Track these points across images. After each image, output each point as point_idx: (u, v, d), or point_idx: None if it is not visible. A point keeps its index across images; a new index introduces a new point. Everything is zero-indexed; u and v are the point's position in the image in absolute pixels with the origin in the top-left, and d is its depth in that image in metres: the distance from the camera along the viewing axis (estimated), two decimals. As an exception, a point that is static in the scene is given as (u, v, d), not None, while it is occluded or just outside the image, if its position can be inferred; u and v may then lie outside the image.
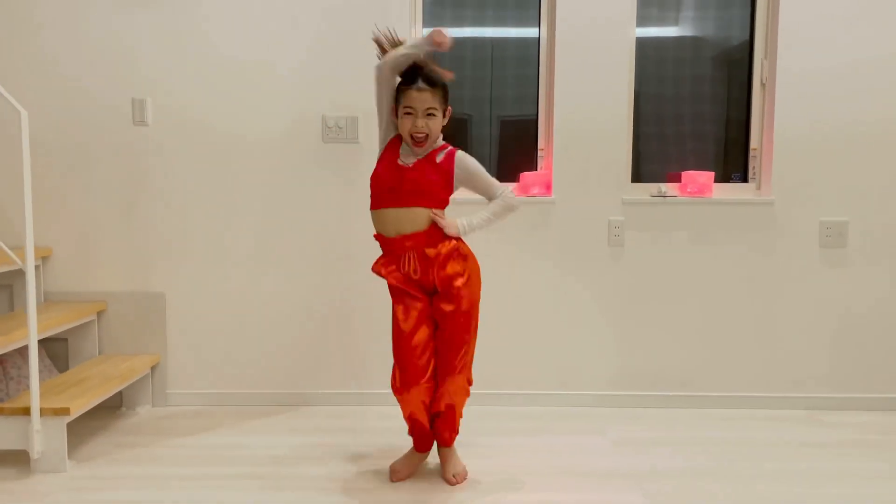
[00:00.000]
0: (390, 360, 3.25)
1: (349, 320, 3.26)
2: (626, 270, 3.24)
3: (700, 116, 3.47)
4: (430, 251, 2.31)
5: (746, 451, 2.75)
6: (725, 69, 3.43)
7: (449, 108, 2.36)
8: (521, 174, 3.27)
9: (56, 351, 3.24)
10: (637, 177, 3.35)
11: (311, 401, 3.28)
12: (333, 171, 3.20)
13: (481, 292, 2.41)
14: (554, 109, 3.19)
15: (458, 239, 2.37)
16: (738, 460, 2.66)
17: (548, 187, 3.25)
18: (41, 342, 2.95)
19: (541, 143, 3.30)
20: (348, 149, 3.19)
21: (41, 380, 2.88)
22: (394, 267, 2.35)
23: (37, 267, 3.16)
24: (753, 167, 3.33)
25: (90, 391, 2.71)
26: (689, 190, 3.26)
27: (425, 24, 3.31)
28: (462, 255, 2.35)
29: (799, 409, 3.24)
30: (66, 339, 3.22)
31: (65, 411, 2.53)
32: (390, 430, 2.93)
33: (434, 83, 2.29)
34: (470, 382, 2.43)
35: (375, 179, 2.37)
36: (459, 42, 3.40)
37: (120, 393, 3.23)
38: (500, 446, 2.77)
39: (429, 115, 2.28)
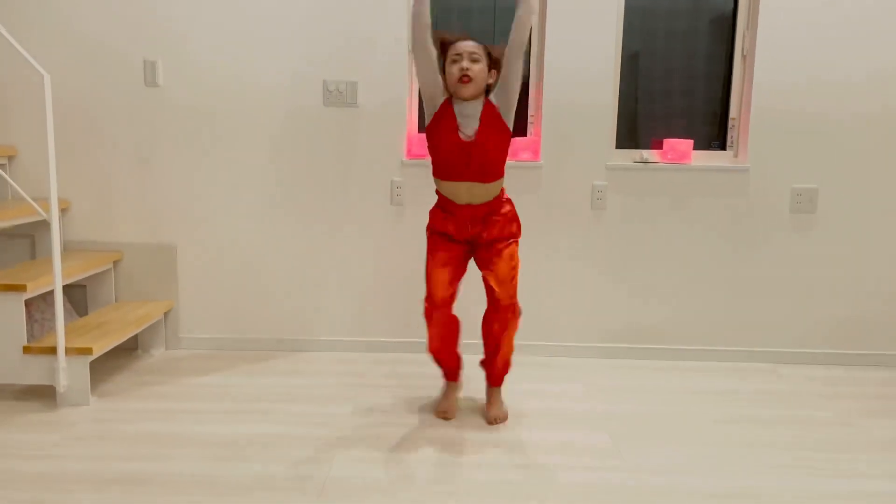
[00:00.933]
0: (391, 308, 3.53)
1: (349, 270, 3.50)
2: (608, 232, 3.45)
3: (688, 85, 3.64)
4: (497, 218, 2.62)
5: (706, 398, 3.01)
6: (712, 40, 3.57)
7: (494, 71, 2.57)
8: (512, 139, 3.45)
9: (75, 297, 3.49)
10: (631, 141, 3.55)
11: (313, 347, 3.55)
12: (334, 132, 3.40)
13: None
14: (543, 77, 3.36)
15: (509, 200, 2.69)
16: (696, 405, 2.92)
17: (536, 153, 3.44)
18: (63, 289, 3.19)
19: (531, 110, 3.48)
20: (348, 112, 3.38)
21: (64, 323, 3.13)
22: (450, 223, 2.62)
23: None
24: (732, 136, 3.50)
25: (110, 334, 2.97)
26: (669, 157, 3.45)
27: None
28: (514, 211, 2.68)
29: (764, 363, 3.48)
30: (84, 286, 3.48)
31: (88, 350, 2.79)
32: (394, 374, 3.21)
33: (478, 41, 2.55)
34: (517, 313, 2.66)
35: (439, 153, 2.59)
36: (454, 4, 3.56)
37: (136, 336, 3.49)
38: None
39: (473, 59, 2.51)
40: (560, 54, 3.34)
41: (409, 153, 3.44)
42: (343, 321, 3.54)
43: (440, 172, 2.62)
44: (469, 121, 2.54)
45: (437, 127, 2.57)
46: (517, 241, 2.68)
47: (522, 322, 2.67)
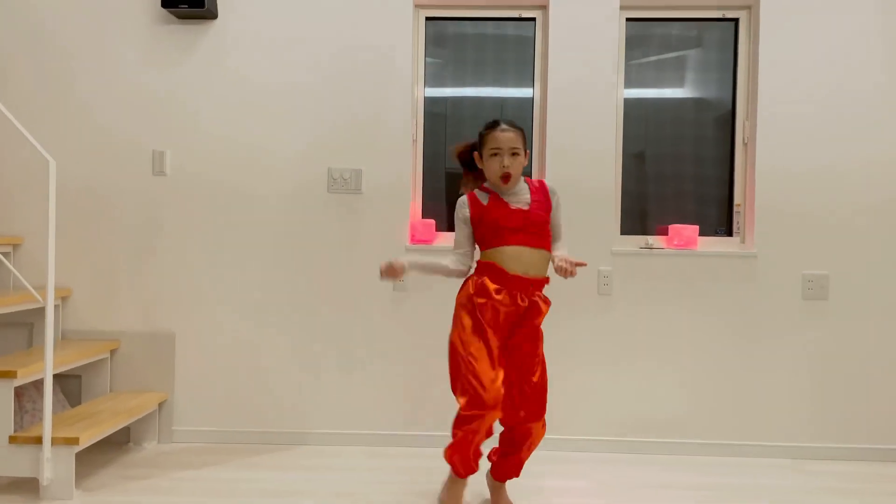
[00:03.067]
0: (388, 404, 3.41)
1: (350, 361, 3.41)
2: (615, 319, 3.37)
3: (690, 173, 3.65)
4: (542, 305, 2.49)
5: (719, 495, 2.84)
6: (712, 129, 3.61)
7: (527, 151, 2.51)
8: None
9: (70, 388, 3.40)
10: (641, 229, 3.54)
11: (312, 440, 3.40)
12: (337, 219, 3.40)
13: None
14: (546, 162, 3.38)
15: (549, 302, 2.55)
16: (714, 502, 2.74)
17: (540, 238, 3.41)
18: (56, 377, 3.11)
19: (534, 197, 3.48)
20: (352, 198, 3.39)
21: (54, 413, 3.03)
22: (494, 301, 2.40)
23: (56, 306, 3.35)
24: (737, 222, 3.48)
25: (99, 424, 2.86)
26: (675, 243, 3.41)
27: (427, 84, 3.55)
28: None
29: (782, 458, 3.31)
30: (79, 377, 3.39)
31: (74, 441, 2.68)
32: (382, 469, 3.05)
33: (515, 125, 2.47)
34: (545, 425, 2.55)
35: (496, 221, 2.44)
36: (458, 101, 3.64)
37: (128, 429, 3.37)
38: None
39: (514, 153, 2.44)
40: (561, 141, 3.37)
41: (413, 238, 3.43)
42: (343, 414, 3.42)
43: (492, 240, 2.45)
44: (517, 198, 2.48)
45: (487, 215, 2.47)
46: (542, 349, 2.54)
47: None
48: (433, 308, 3.39)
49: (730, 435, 3.35)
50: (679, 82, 3.64)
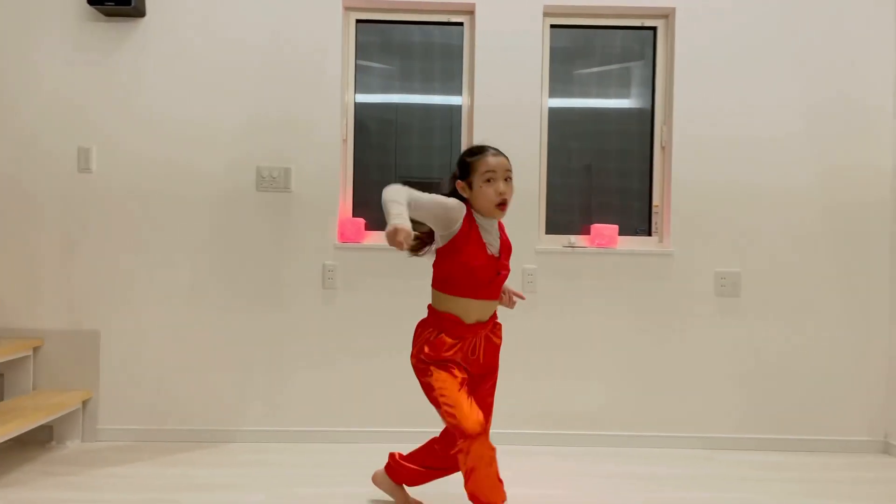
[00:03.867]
0: (315, 400, 3.44)
1: (279, 357, 3.43)
2: (538, 315, 3.47)
3: (616, 176, 3.79)
4: (496, 339, 2.46)
5: (632, 482, 2.96)
6: (639, 135, 3.75)
7: None
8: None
9: (-10, 385, 3.35)
10: (568, 228, 3.65)
11: (240, 438, 3.42)
12: (266, 217, 3.43)
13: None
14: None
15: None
16: (620, 490, 2.86)
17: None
18: (-26, 374, 3.07)
19: (461, 196, 3.56)
20: (281, 197, 3.43)
21: (-29, 410, 2.99)
22: (457, 347, 2.32)
23: (-24, 303, 3.30)
24: (656, 222, 3.62)
25: (17, 420, 2.83)
26: (596, 242, 3.53)
27: (357, 90, 3.61)
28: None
29: (697, 449, 3.44)
30: (2, 374, 3.34)
31: (-11, 436, 2.65)
32: (304, 464, 3.09)
33: (502, 153, 2.32)
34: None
35: (472, 270, 2.27)
36: (407, 108, 3.71)
37: (51, 428, 3.33)
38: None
39: (507, 178, 2.29)
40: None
41: (342, 237, 3.48)
42: (271, 410, 3.44)
43: (460, 289, 2.30)
44: (492, 238, 2.33)
45: (467, 244, 2.27)
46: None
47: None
48: (362, 306, 3.45)
49: (647, 427, 3.48)
50: (619, 92, 3.78)
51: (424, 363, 2.33)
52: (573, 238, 3.55)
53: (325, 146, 3.44)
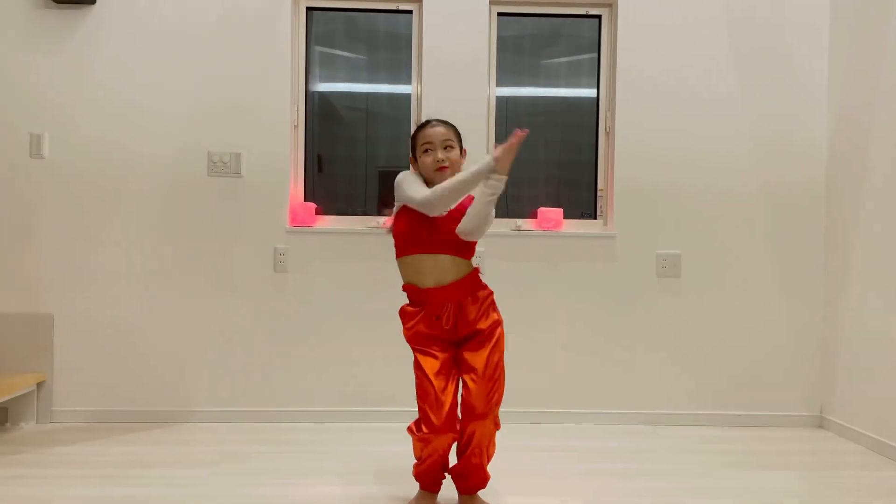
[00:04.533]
0: (271, 380, 3.52)
1: (231, 339, 3.50)
2: (486, 296, 3.56)
3: (564, 162, 3.90)
4: (472, 309, 2.31)
5: (576, 455, 3.06)
6: (585, 124, 3.85)
7: (465, 148, 2.39)
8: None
9: (-56, 369, 3.40)
10: (517, 213, 3.74)
11: (193, 418, 3.49)
12: (217, 201, 3.49)
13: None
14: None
15: (488, 288, 2.39)
16: (564, 462, 2.96)
17: (414, 220, 3.58)
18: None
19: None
20: (232, 182, 3.49)
21: (-78, 392, 3.04)
22: (420, 316, 2.30)
23: (-71, 288, 3.34)
24: (600, 205, 3.72)
25: (-34, 400, 2.89)
26: (542, 225, 3.63)
27: (324, 79, 3.68)
28: (494, 303, 2.39)
29: (640, 424, 3.56)
30: (-45, 358, 3.39)
31: (-64, 416, 2.70)
32: (262, 441, 3.17)
33: (447, 122, 2.35)
34: (497, 426, 2.34)
35: (403, 228, 2.31)
36: (363, 97, 3.78)
37: (6, 410, 3.39)
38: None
39: (447, 147, 2.31)
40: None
41: (293, 220, 3.54)
42: (224, 391, 3.51)
43: (401, 248, 2.33)
44: None
45: (402, 213, 2.32)
46: (502, 333, 2.35)
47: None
48: (313, 288, 3.52)
49: (591, 404, 3.59)
50: (572, 82, 3.89)
51: (407, 335, 2.35)
52: (520, 222, 3.64)
53: (275, 131, 3.51)
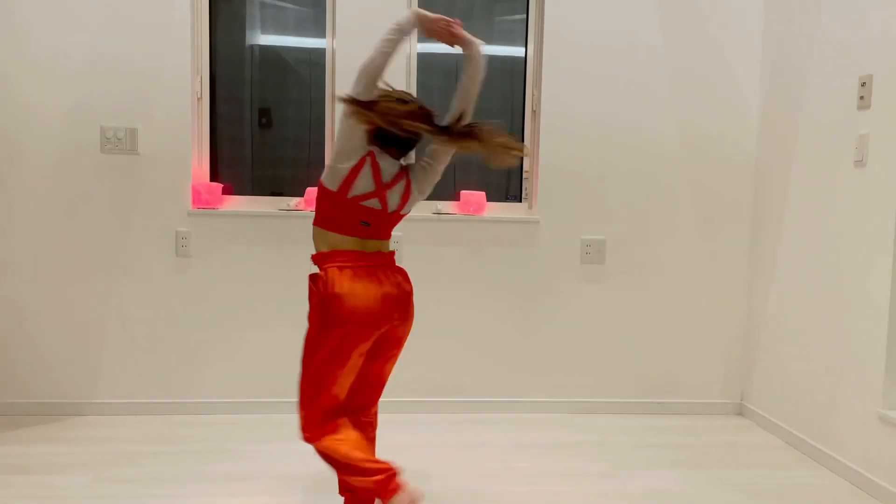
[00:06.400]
0: (168, 369, 3.31)
1: (131, 326, 3.29)
2: (403, 283, 3.40)
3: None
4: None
5: (491, 452, 2.98)
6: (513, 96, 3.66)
7: None
8: (308, 189, 3.38)
9: None
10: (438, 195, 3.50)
11: (90, 410, 3.28)
12: (112, 181, 3.23)
13: None
14: (334, 124, 3.32)
15: None
16: (476, 461, 2.87)
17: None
18: None
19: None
20: (127, 160, 3.23)
21: None
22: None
23: None
24: (526, 188, 3.57)
25: None
26: (465, 209, 3.46)
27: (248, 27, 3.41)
28: None
29: (560, 413, 3.48)
30: None
31: None
32: (165, 438, 3.00)
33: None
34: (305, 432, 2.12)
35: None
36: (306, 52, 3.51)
37: None
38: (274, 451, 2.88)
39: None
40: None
41: (196, 202, 3.31)
42: (123, 381, 3.30)
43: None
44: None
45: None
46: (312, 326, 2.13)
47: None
48: (219, 274, 3.32)
49: (512, 393, 3.49)
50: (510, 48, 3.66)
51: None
52: (440, 205, 3.47)
53: (174, 104, 3.24)
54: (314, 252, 2.13)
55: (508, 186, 3.72)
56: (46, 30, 3.14)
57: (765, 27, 3.43)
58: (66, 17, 3.15)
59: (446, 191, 3.58)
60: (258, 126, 3.67)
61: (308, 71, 3.65)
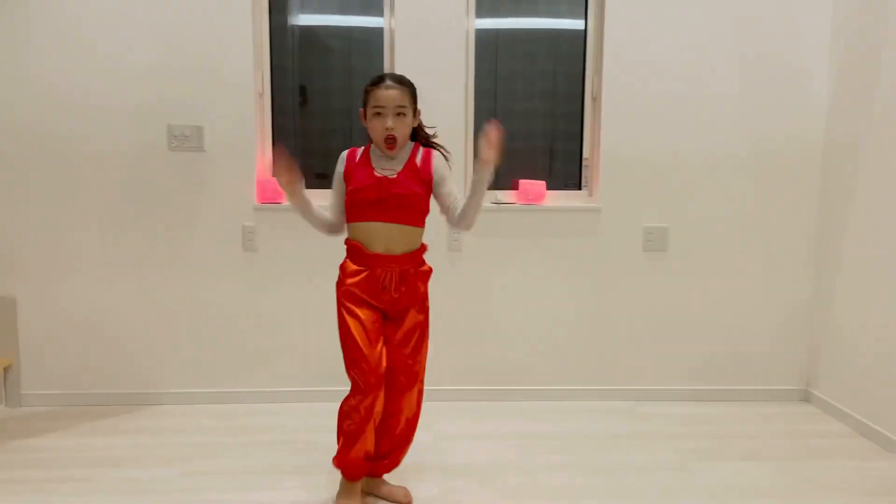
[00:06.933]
0: (239, 361, 3.40)
1: (201, 319, 3.39)
2: (464, 274, 3.43)
3: (550, 127, 3.66)
4: (418, 281, 2.33)
5: (557, 444, 3.00)
6: (570, 84, 3.59)
7: (419, 109, 2.30)
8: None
9: None
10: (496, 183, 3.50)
11: (164, 400, 3.41)
12: (180, 178, 3.30)
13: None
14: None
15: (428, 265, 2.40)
16: (537, 453, 2.89)
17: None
18: None
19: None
20: (194, 157, 3.29)
21: None
22: (363, 276, 2.26)
23: None
24: (586, 176, 3.54)
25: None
26: (524, 198, 3.45)
27: (288, 8, 3.42)
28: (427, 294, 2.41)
29: (623, 401, 3.49)
30: (-85, 343, 3.28)
31: None
32: (242, 428, 3.10)
33: (403, 82, 2.23)
34: (421, 393, 2.43)
35: (356, 192, 2.24)
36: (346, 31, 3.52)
37: (-28, 395, 3.31)
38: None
39: (399, 113, 2.21)
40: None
41: (261, 197, 3.37)
42: (195, 373, 3.42)
43: (351, 214, 2.27)
44: (389, 163, 2.27)
45: (355, 172, 2.27)
46: (427, 316, 2.39)
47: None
48: (282, 269, 3.38)
49: (576, 381, 3.51)
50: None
51: (339, 299, 2.31)
52: (499, 194, 3.47)
53: (237, 102, 3.28)
54: (415, 248, 2.33)
55: (549, 173, 3.66)
56: (112, 32, 3.20)
57: (832, 20, 3.31)
58: (130, 18, 3.20)
59: (502, 179, 3.57)
60: (298, 106, 3.64)
61: (349, 52, 3.58)
